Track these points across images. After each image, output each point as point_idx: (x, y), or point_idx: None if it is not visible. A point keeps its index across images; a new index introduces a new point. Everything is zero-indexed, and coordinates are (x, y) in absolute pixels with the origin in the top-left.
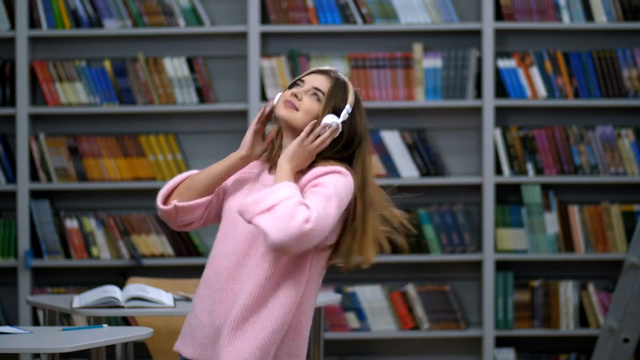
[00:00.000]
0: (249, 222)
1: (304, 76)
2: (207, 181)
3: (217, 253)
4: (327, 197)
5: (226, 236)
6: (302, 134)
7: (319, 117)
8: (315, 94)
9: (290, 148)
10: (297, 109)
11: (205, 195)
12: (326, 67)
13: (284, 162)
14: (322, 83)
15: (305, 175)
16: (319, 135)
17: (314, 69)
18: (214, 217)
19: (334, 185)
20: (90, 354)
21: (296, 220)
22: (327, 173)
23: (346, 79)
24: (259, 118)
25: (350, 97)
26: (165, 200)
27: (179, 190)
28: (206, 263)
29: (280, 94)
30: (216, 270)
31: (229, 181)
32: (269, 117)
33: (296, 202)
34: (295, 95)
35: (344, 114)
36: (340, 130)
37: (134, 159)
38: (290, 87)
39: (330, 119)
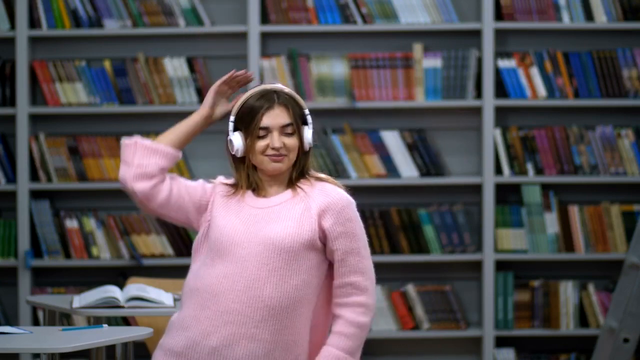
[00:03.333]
0: None
1: (262, 121)
2: (172, 136)
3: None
4: (367, 253)
5: (230, 261)
6: None
7: (303, 142)
8: (287, 132)
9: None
10: (286, 156)
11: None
12: (264, 101)
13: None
14: (283, 116)
15: (330, 208)
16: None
17: (259, 109)
18: (181, 200)
19: (359, 226)
20: (90, 354)
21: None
22: (346, 206)
23: (280, 88)
24: (226, 80)
25: (300, 100)
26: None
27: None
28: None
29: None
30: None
31: (213, 209)
32: (241, 85)
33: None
34: (278, 150)
35: (309, 119)
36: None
37: None
38: (256, 136)
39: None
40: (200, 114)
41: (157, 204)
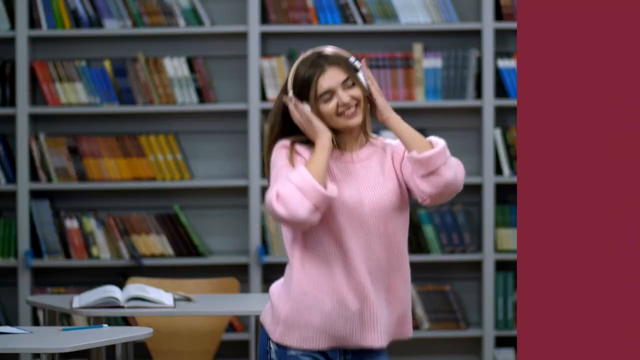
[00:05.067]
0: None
1: (319, 86)
2: (325, 170)
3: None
4: None
5: (357, 227)
6: (375, 88)
7: (363, 96)
8: (347, 86)
9: (383, 103)
10: (357, 107)
11: None
12: (307, 65)
13: (395, 115)
14: (341, 73)
15: (398, 147)
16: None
17: (314, 74)
18: None
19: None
20: (90, 354)
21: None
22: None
23: (323, 50)
24: (299, 108)
25: (344, 52)
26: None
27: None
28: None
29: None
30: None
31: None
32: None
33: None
34: (348, 105)
35: (358, 64)
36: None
37: (134, 159)
38: (322, 102)
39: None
40: (327, 137)
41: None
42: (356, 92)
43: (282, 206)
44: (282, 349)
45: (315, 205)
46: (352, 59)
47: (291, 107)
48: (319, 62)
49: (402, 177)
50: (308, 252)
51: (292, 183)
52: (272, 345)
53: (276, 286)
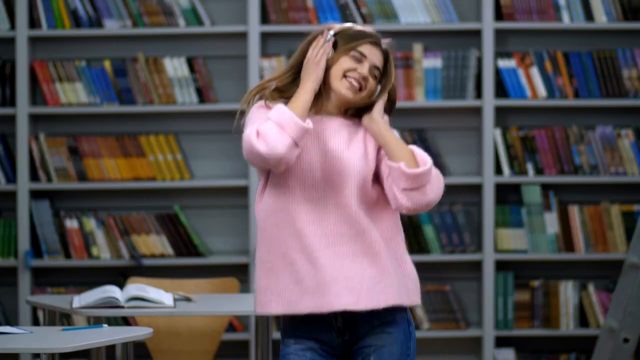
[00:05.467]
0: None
1: (362, 47)
2: (306, 109)
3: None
4: None
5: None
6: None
7: (373, 95)
8: (374, 73)
9: (378, 113)
10: (361, 90)
11: None
12: (373, 34)
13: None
14: (379, 59)
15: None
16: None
17: (367, 37)
18: None
19: None
20: (90, 354)
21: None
22: None
23: (388, 47)
24: (323, 50)
25: (393, 70)
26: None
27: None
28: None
29: (330, 37)
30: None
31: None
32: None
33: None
34: (364, 78)
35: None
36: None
37: (134, 159)
38: (349, 55)
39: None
40: (317, 83)
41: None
42: (373, 81)
43: (262, 142)
44: (282, 345)
45: (294, 140)
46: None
47: (321, 39)
48: (376, 39)
49: (377, 169)
50: (266, 217)
51: (272, 120)
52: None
53: None
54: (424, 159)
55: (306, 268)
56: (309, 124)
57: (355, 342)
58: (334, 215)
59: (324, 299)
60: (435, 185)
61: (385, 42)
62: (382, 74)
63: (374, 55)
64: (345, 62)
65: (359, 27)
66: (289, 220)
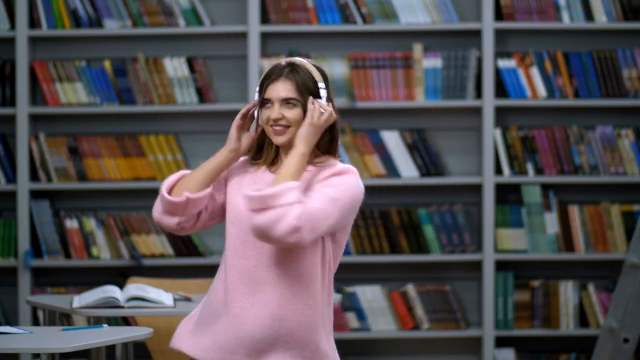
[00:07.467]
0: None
1: (266, 92)
2: (203, 178)
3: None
4: (333, 200)
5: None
6: (309, 115)
7: (299, 120)
8: (290, 104)
9: (303, 131)
10: (287, 127)
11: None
12: (273, 67)
13: (300, 146)
14: (286, 89)
15: (322, 172)
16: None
17: (265, 79)
18: (213, 214)
19: (345, 188)
20: (90, 354)
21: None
22: (342, 173)
23: (297, 61)
24: (243, 114)
25: (316, 74)
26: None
27: (177, 188)
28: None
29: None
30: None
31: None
32: (253, 117)
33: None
34: (276, 121)
35: (323, 93)
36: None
37: (134, 159)
38: (261, 105)
39: (317, 102)
40: (227, 149)
41: (195, 229)
42: (293, 114)
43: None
44: None
45: (163, 208)
46: (320, 84)
47: (249, 105)
48: (279, 70)
49: None
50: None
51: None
52: None
53: None
54: (274, 189)
55: (220, 307)
56: (178, 197)
57: None
58: (252, 258)
59: None
60: (269, 218)
61: (294, 66)
62: (309, 93)
63: (277, 92)
64: (263, 115)
65: (273, 65)
66: (223, 262)
